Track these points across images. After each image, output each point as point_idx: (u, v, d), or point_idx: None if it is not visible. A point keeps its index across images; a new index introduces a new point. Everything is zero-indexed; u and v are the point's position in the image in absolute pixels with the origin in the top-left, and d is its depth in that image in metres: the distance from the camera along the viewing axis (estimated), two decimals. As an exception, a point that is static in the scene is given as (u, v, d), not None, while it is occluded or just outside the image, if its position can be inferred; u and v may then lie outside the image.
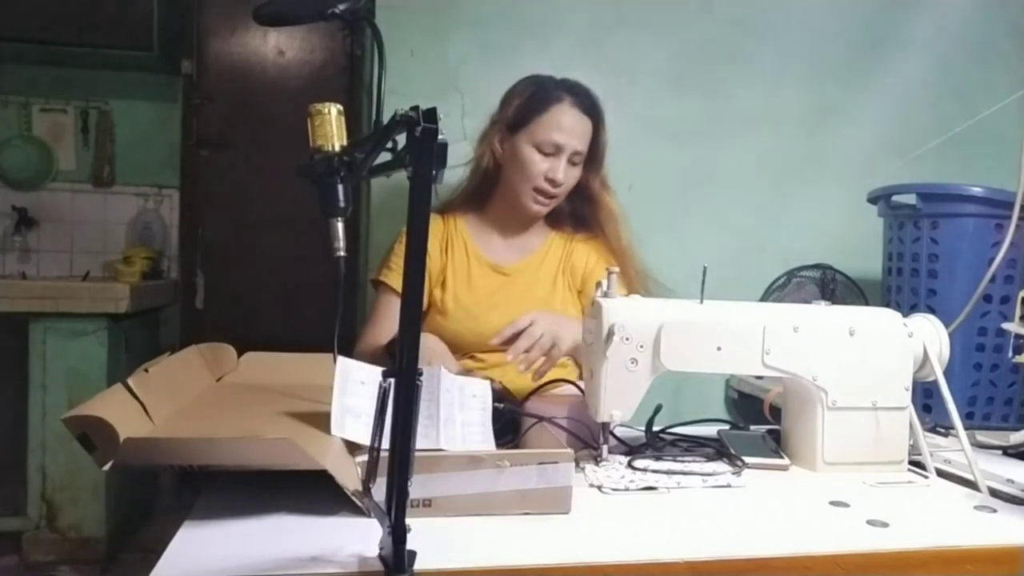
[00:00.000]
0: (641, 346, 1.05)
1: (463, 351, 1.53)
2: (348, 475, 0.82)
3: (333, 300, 0.99)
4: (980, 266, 1.55)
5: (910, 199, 1.86)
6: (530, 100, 1.55)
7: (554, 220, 1.67)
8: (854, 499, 0.97)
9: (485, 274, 1.59)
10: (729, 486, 1.00)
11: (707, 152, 2.30)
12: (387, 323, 1.54)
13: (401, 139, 0.75)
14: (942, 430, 1.36)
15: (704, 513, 0.91)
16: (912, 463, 1.11)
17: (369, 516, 0.78)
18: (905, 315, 1.16)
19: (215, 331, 1.62)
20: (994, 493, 1.02)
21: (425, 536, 0.69)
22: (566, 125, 1.52)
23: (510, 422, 1.12)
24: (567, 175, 1.53)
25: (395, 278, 1.55)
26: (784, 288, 2.36)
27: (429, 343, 1.39)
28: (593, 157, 1.58)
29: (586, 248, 1.64)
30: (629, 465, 1.05)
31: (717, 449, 1.12)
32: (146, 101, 3.01)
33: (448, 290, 1.57)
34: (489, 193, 1.63)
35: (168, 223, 3.04)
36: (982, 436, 1.34)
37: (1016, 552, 0.84)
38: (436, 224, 1.61)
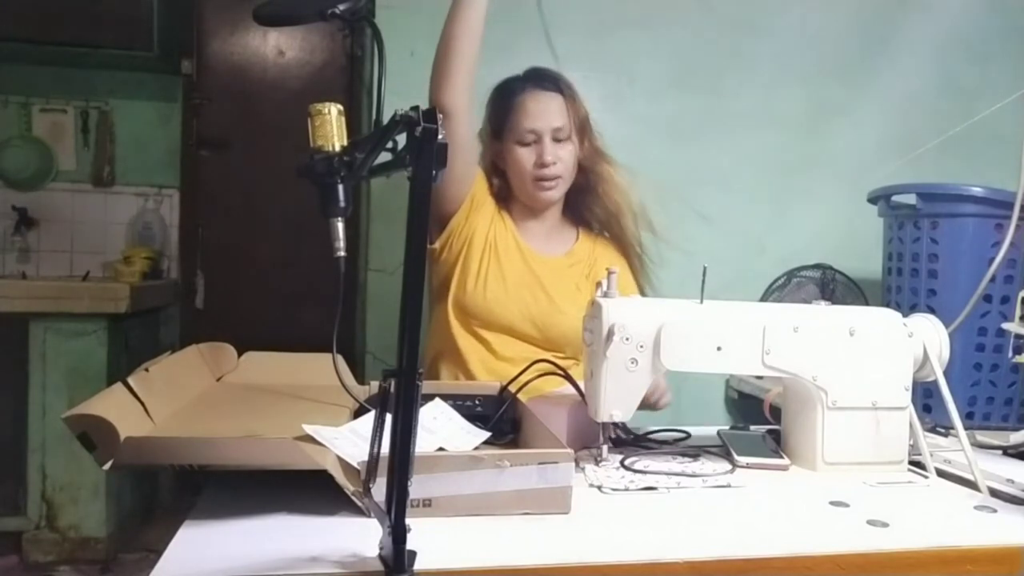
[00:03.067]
0: (641, 346, 1.05)
1: (482, 324, 1.52)
2: (348, 475, 0.82)
3: (333, 300, 0.99)
4: (980, 266, 1.54)
5: (910, 199, 1.86)
6: (497, 104, 1.59)
7: (573, 213, 1.66)
8: (854, 499, 0.97)
9: (522, 257, 1.58)
10: (729, 486, 1.00)
11: (707, 152, 2.30)
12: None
13: (401, 139, 0.75)
14: (942, 430, 1.36)
15: (704, 513, 0.91)
16: (912, 463, 1.11)
17: (369, 516, 0.78)
18: (905, 315, 1.16)
19: (215, 331, 1.62)
20: (994, 493, 1.02)
21: (425, 536, 0.69)
22: (534, 110, 1.53)
23: (510, 421, 1.12)
24: (556, 154, 1.53)
25: None
26: (784, 288, 2.36)
27: None
28: (575, 128, 1.58)
29: (608, 259, 1.63)
30: (621, 465, 1.05)
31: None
32: (146, 101, 3.01)
33: (494, 263, 1.55)
34: (510, 194, 1.64)
35: (168, 223, 3.04)
36: (982, 436, 1.34)
37: (1016, 552, 0.84)
38: (484, 185, 1.60)
